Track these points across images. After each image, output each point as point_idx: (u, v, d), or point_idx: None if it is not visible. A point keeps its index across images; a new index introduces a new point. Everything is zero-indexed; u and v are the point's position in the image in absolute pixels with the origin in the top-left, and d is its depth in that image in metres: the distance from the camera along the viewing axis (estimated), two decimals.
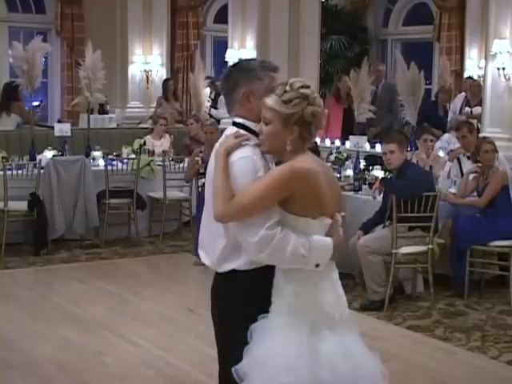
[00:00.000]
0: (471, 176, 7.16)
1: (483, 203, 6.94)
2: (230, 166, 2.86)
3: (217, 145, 3.00)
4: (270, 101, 2.86)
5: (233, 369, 2.85)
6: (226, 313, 2.99)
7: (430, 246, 6.62)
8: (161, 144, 9.98)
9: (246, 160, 2.86)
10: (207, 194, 3.05)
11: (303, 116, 2.84)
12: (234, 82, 3.03)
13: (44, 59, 10.09)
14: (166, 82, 13.17)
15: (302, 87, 2.86)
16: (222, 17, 13.90)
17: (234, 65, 3.15)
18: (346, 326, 2.93)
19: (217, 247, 2.95)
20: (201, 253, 3.10)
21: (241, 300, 2.91)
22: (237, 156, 2.87)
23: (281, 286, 2.88)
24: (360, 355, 2.91)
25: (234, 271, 2.92)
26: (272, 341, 2.82)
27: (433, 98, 11.73)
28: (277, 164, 2.97)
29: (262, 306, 2.87)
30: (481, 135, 7.98)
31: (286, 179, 2.80)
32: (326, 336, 2.85)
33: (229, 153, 2.89)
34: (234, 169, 2.85)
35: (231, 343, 2.92)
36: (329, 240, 2.88)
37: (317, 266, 2.84)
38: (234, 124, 3.02)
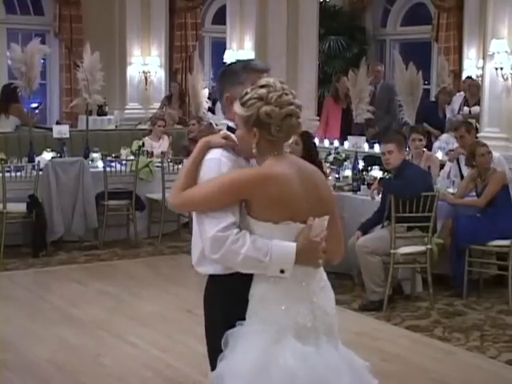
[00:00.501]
0: (469, 177, 7.17)
1: (483, 203, 6.94)
2: (201, 164, 2.85)
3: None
4: (235, 104, 2.83)
5: (210, 375, 2.84)
6: (209, 315, 2.97)
7: (429, 246, 6.62)
8: (159, 145, 9.97)
9: (213, 161, 2.83)
10: None
11: (259, 117, 2.75)
12: (221, 86, 3.04)
13: (42, 61, 10.09)
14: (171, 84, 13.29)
15: (261, 87, 2.77)
16: (220, 18, 13.91)
17: (223, 68, 3.13)
18: (323, 339, 2.80)
19: (197, 249, 2.92)
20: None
21: (221, 304, 2.88)
22: (207, 156, 2.85)
23: (251, 292, 2.81)
24: (332, 372, 2.74)
25: (213, 275, 2.88)
26: (238, 350, 2.74)
27: (432, 99, 11.75)
28: None
29: (241, 311, 2.81)
30: (479, 135, 7.99)
31: (238, 183, 2.73)
32: (291, 345, 2.73)
33: (207, 147, 2.86)
34: (202, 167, 2.84)
35: (213, 346, 2.89)
36: (291, 245, 2.73)
37: (281, 271, 2.72)
38: (228, 128, 3.00)
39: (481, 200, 6.98)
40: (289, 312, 2.76)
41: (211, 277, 2.92)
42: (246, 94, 2.78)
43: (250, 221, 2.77)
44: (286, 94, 2.79)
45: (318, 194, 2.85)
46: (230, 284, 2.84)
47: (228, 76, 3.00)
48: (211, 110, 11.88)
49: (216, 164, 2.82)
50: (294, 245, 2.74)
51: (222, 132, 2.96)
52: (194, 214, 2.91)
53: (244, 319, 2.82)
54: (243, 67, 2.99)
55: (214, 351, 2.84)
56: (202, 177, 2.82)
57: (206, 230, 2.75)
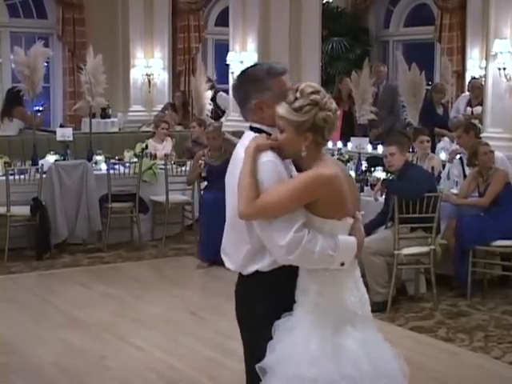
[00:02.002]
0: (471, 177, 7.17)
1: (486, 202, 6.94)
2: (257, 168, 2.91)
3: (238, 149, 3.04)
4: (281, 109, 2.91)
5: (257, 366, 2.92)
6: (250, 312, 3.05)
7: (433, 247, 6.62)
8: (163, 147, 9.98)
9: (272, 163, 2.92)
10: (229, 200, 3.08)
11: (315, 122, 2.89)
12: (245, 93, 3.07)
13: (46, 64, 10.10)
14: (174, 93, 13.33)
15: (312, 93, 2.90)
16: (223, 20, 13.91)
17: (241, 74, 3.15)
18: (367, 323, 3.00)
19: (240, 251, 3.02)
20: (224, 258, 3.16)
21: (264, 299, 2.99)
22: (263, 159, 2.92)
23: (305, 286, 2.94)
24: (381, 352, 2.97)
25: (257, 272, 3.00)
26: (296, 337, 2.88)
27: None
28: (295, 166, 3.05)
29: (285, 304, 2.95)
30: (482, 135, 7.98)
31: (312, 185, 2.86)
32: (349, 333, 2.91)
33: (259, 151, 2.93)
34: (260, 170, 2.91)
35: (255, 341, 2.99)
36: (353, 239, 2.95)
37: (342, 264, 2.91)
38: (252, 129, 3.08)
39: (484, 199, 6.98)
40: (345, 302, 2.93)
41: (253, 274, 3.00)
42: (296, 99, 2.89)
43: (316, 219, 2.90)
44: (330, 99, 2.95)
45: (354, 192, 3.12)
46: (274, 279, 2.97)
47: (252, 83, 3.05)
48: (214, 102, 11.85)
49: (273, 166, 2.92)
50: (354, 239, 2.95)
51: (259, 136, 3.00)
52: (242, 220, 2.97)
53: (285, 311, 2.95)
54: (267, 73, 3.04)
55: (257, 346, 2.95)
56: (264, 179, 2.90)
57: (280, 235, 2.85)
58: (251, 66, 3.20)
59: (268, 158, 2.93)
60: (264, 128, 3.04)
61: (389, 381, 2.94)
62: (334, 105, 2.95)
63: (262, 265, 2.98)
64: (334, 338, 2.88)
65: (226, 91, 12.38)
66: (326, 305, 2.91)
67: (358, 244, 2.96)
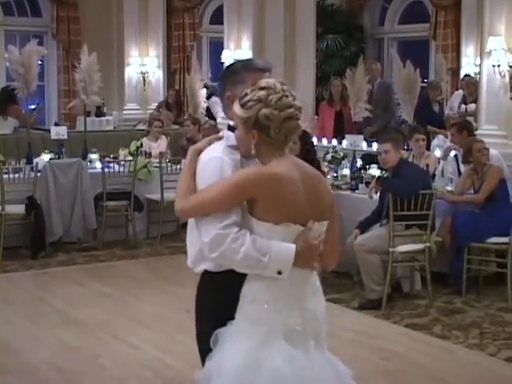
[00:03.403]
0: (466, 174, 7.18)
1: (482, 199, 6.94)
2: (199, 165, 2.85)
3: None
4: (234, 105, 2.82)
5: (197, 374, 2.83)
6: (201, 313, 2.96)
7: (427, 244, 6.63)
8: (157, 146, 9.97)
9: (214, 160, 2.82)
10: None
11: (258, 119, 2.74)
12: (222, 86, 3.04)
13: (40, 62, 10.09)
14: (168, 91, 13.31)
15: (261, 89, 2.76)
16: (217, 18, 13.90)
17: (224, 68, 3.14)
18: (312, 344, 2.80)
19: (194, 248, 2.93)
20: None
21: (213, 302, 2.88)
22: (208, 156, 2.85)
23: (243, 292, 2.79)
24: (320, 374, 2.76)
25: (206, 272, 2.88)
26: (226, 349, 2.74)
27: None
28: None
29: (233, 310, 2.80)
30: (477, 133, 7.99)
31: (245, 183, 2.72)
32: (280, 348, 2.72)
33: (198, 152, 2.88)
34: (202, 167, 2.84)
35: (203, 346, 2.87)
36: (291, 247, 2.72)
37: (279, 273, 2.71)
38: (229, 127, 2.99)
39: (479, 196, 6.98)
40: (280, 314, 2.75)
41: (203, 274, 2.92)
42: (246, 95, 2.77)
43: (252, 220, 2.75)
44: (286, 96, 2.77)
45: (319, 199, 2.84)
46: (222, 281, 2.84)
47: (229, 75, 3.00)
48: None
49: (218, 162, 2.81)
50: (293, 246, 2.73)
51: (205, 138, 2.97)
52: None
53: (233, 317, 2.81)
54: (244, 66, 2.99)
55: (203, 349, 2.85)
56: (204, 176, 2.82)
57: (207, 230, 2.74)
58: (236, 61, 3.19)
59: (211, 154, 2.84)
60: None
61: None
62: (285, 103, 2.75)
63: (210, 265, 2.85)
64: (260, 350, 2.71)
65: None
66: (257, 314, 2.74)
67: (299, 254, 2.72)
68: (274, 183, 2.71)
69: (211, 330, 2.80)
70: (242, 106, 2.77)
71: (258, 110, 2.73)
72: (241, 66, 3.00)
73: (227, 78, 3.01)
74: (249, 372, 2.68)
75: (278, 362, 2.68)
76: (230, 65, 3.13)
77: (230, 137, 2.92)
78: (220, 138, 2.91)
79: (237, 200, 2.74)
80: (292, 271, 2.74)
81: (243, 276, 2.80)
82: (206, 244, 2.74)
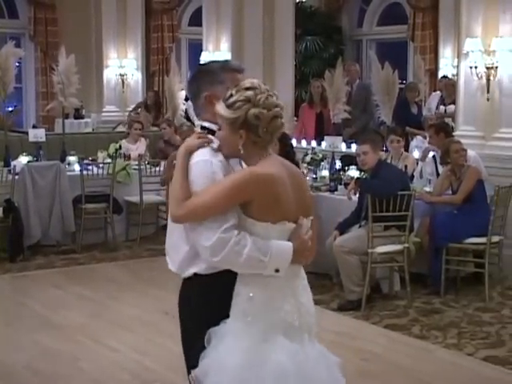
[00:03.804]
0: (444, 175, 7.22)
1: (459, 199, 6.99)
2: (189, 168, 2.83)
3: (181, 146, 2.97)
4: (218, 106, 2.82)
5: (189, 375, 2.84)
6: (189, 316, 2.96)
7: (406, 245, 6.66)
8: (136, 148, 9.95)
9: (203, 163, 2.82)
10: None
11: (247, 119, 2.76)
12: (197, 86, 3.02)
13: (17, 64, 10.03)
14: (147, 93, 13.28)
15: (247, 89, 2.78)
16: (196, 19, 13.90)
17: (197, 68, 3.12)
18: (307, 337, 2.85)
19: (180, 253, 2.92)
20: (167, 260, 3.07)
21: (203, 304, 2.88)
22: (196, 158, 2.84)
23: (238, 290, 2.82)
24: (316, 370, 2.82)
25: (195, 275, 2.88)
26: (224, 347, 2.76)
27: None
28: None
29: (224, 310, 2.82)
30: (455, 134, 8.03)
31: (241, 185, 2.73)
32: (280, 344, 2.77)
33: (190, 152, 2.86)
34: (192, 171, 2.82)
35: (192, 347, 2.89)
36: (289, 245, 2.79)
37: (276, 271, 2.77)
38: (202, 128, 2.99)
39: (457, 197, 7.03)
40: (277, 311, 2.79)
41: (191, 277, 2.91)
42: (231, 96, 2.78)
43: (248, 221, 2.77)
44: (271, 96, 2.81)
45: (303, 195, 2.92)
46: (211, 283, 2.85)
47: (205, 75, 3.00)
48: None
49: (207, 165, 2.81)
50: (291, 244, 2.79)
51: (193, 135, 2.94)
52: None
53: (224, 318, 2.82)
54: (221, 67, 3.00)
55: (193, 350, 2.85)
56: (195, 180, 2.81)
57: (207, 234, 2.74)
58: (208, 62, 3.19)
59: (199, 158, 2.83)
60: (212, 126, 2.93)
61: None
62: (272, 102, 2.79)
63: (200, 268, 2.86)
64: (260, 347, 2.75)
65: None
66: (256, 311, 2.77)
67: (295, 250, 2.79)
68: (268, 184, 2.75)
69: (200, 331, 2.81)
70: (229, 106, 2.78)
71: (247, 110, 2.76)
72: (218, 67, 3.00)
73: (203, 78, 3.00)
74: (253, 369, 2.71)
75: (282, 357, 2.74)
76: (203, 65, 3.13)
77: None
78: (210, 141, 2.89)
79: (232, 203, 2.76)
80: (286, 268, 2.80)
81: (232, 275, 2.82)
82: (206, 248, 2.74)
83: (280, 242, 2.78)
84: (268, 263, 2.75)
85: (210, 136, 2.92)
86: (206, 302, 2.87)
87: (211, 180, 2.78)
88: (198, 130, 3.04)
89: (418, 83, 11.13)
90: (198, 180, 2.80)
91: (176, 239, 2.94)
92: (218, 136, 2.86)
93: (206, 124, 2.99)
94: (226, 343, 2.76)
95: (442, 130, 7.82)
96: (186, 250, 2.89)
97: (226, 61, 3.08)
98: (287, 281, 2.83)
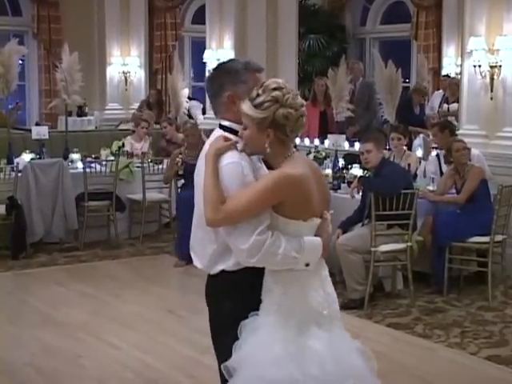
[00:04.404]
0: (448, 174, 7.21)
1: (463, 199, 6.97)
2: (220, 171, 2.86)
3: (206, 147, 2.99)
4: (244, 106, 2.86)
5: (222, 365, 2.91)
6: (218, 311, 3.03)
7: (409, 244, 6.64)
8: (141, 146, 9.95)
9: (233, 165, 2.86)
10: (197, 199, 3.04)
11: (275, 119, 2.83)
12: (219, 85, 3.02)
13: (21, 62, 10.02)
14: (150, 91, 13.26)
15: (274, 89, 2.83)
16: (199, 17, 13.88)
17: (218, 67, 3.12)
18: (334, 323, 2.97)
19: (207, 251, 2.99)
20: (192, 256, 3.15)
21: (231, 299, 2.96)
22: (225, 161, 2.87)
23: (269, 286, 2.91)
24: (348, 351, 2.94)
25: (223, 272, 2.96)
26: (260, 338, 2.85)
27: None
28: (265, 162, 2.99)
29: (252, 304, 2.91)
30: (458, 132, 8.01)
31: (276, 187, 2.81)
32: (314, 333, 2.88)
33: (219, 155, 2.88)
34: (223, 174, 2.85)
35: (223, 343, 2.96)
36: (318, 240, 2.91)
37: (307, 265, 2.88)
38: (221, 127, 3.01)
39: (461, 196, 7.01)
40: (310, 303, 2.90)
41: (219, 274, 2.97)
42: (258, 95, 2.83)
43: (280, 220, 2.86)
44: (297, 96, 2.89)
45: (323, 190, 3.04)
46: (239, 279, 2.93)
47: (227, 75, 3.00)
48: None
49: (238, 167, 2.85)
50: (320, 239, 2.91)
51: (219, 136, 2.95)
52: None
53: (251, 312, 2.92)
54: (244, 67, 3.01)
55: (224, 346, 2.92)
56: (227, 183, 2.84)
57: (243, 237, 2.80)
58: (229, 60, 3.19)
59: (229, 160, 2.86)
60: (234, 126, 2.97)
61: (355, 381, 2.92)
62: (298, 102, 2.87)
63: (228, 264, 2.94)
64: (298, 338, 2.85)
65: (204, 89, 12.36)
66: (290, 305, 2.88)
67: (323, 244, 2.92)
68: (298, 184, 2.83)
69: (229, 327, 2.90)
70: (257, 106, 2.83)
71: (275, 110, 2.82)
72: (241, 67, 3.02)
73: (226, 77, 3.00)
74: (292, 359, 2.81)
75: (319, 347, 2.85)
76: (225, 63, 3.12)
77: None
78: (237, 142, 2.91)
79: (267, 205, 2.84)
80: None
81: (257, 271, 2.89)
82: (243, 251, 2.82)
83: (311, 238, 2.89)
84: (300, 259, 2.86)
85: (233, 137, 2.94)
86: (233, 297, 2.96)
87: (243, 182, 2.84)
88: (217, 128, 3.05)
89: (426, 87, 11.08)
90: (230, 183, 2.84)
91: (202, 237, 3.01)
92: (243, 135, 2.89)
93: (227, 123, 3.01)
94: (261, 336, 2.86)
95: (447, 127, 7.80)
96: (213, 248, 2.96)
97: (249, 61, 3.08)
98: (315, 274, 2.94)
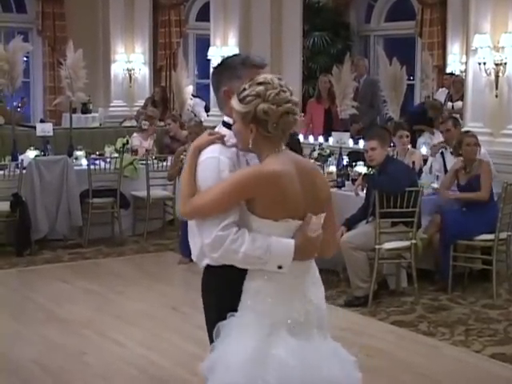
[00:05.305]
0: (455, 168, 7.18)
1: (486, 197, 6.89)
2: (197, 165, 2.86)
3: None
4: (233, 100, 2.83)
5: (200, 365, 2.88)
6: (206, 306, 3.02)
7: (414, 241, 6.63)
8: (148, 143, 9.97)
9: (210, 160, 2.84)
10: None
11: (256, 114, 2.76)
12: (217, 80, 3.03)
13: (25, 59, 10.04)
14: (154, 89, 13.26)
15: (259, 84, 2.78)
16: (204, 15, 13.87)
17: (220, 62, 3.12)
18: (316, 332, 2.87)
19: (196, 245, 2.98)
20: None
21: (216, 294, 2.93)
22: (204, 155, 2.86)
23: (246, 286, 2.85)
24: (326, 363, 2.82)
25: (210, 266, 2.92)
26: (231, 340, 2.79)
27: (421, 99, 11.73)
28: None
29: (236, 301, 2.86)
30: (463, 130, 8.00)
31: (243, 183, 2.75)
32: (284, 339, 2.77)
33: (199, 150, 2.88)
34: (200, 168, 2.85)
35: (210, 338, 2.93)
36: (290, 242, 2.78)
37: (279, 267, 2.78)
38: (224, 124, 3.00)
39: (483, 194, 6.88)
40: (283, 307, 2.81)
41: (207, 268, 2.95)
42: (244, 90, 2.79)
43: (251, 217, 2.79)
44: (284, 92, 2.80)
45: (315, 192, 2.88)
46: (224, 275, 2.87)
47: (226, 70, 3.00)
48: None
49: (214, 162, 2.83)
50: (292, 242, 2.79)
51: (206, 131, 2.97)
52: None
53: (237, 310, 2.86)
54: (242, 62, 2.99)
55: (211, 342, 2.90)
56: (202, 177, 2.84)
57: (208, 231, 2.78)
58: (232, 55, 3.19)
59: (207, 155, 2.85)
60: (231, 121, 2.93)
61: None
62: (282, 98, 2.77)
63: (211, 259, 2.89)
64: (265, 342, 2.76)
65: (208, 86, 12.36)
66: (262, 307, 2.80)
67: (298, 248, 2.78)
68: (272, 182, 2.74)
69: (217, 320, 2.86)
70: (241, 100, 2.79)
71: (257, 104, 2.76)
72: (238, 62, 3.00)
73: (224, 73, 3.00)
74: (256, 365, 2.73)
75: (282, 353, 2.74)
76: (226, 59, 3.12)
77: (226, 134, 2.94)
78: (223, 137, 2.90)
79: (236, 201, 2.78)
80: (292, 264, 2.80)
81: (245, 270, 2.84)
82: (206, 245, 2.81)
83: (280, 238, 2.78)
84: (268, 260, 2.76)
85: (223, 132, 2.93)
86: (218, 292, 2.92)
87: (217, 177, 2.80)
88: (220, 125, 3.05)
89: (441, 103, 10.63)
90: (204, 177, 2.83)
91: (192, 232, 3.00)
92: (233, 129, 2.87)
93: (226, 119, 3.00)
94: (233, 338, 2.79)
95: (459, 123, 7.80)
96: (200, 243, 2.92)
97: (248, 56, 3.05)
98: (296, 278, 2.84)
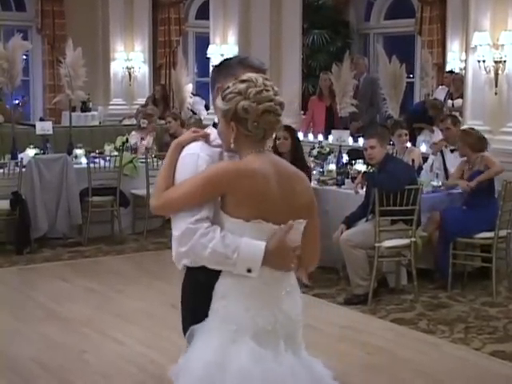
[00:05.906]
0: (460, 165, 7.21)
1: (499, 167, 6.94)
2: (178, 162, 2.84)
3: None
4: (217, 98, 2.82)
5: (169, 371, 2.83)
6: (183, 309, 2.94)
7: (413, 239, 6.64)
8: (147, 141, 9.96)
9: (189, 156, 2.81)
10: None
11: (236, 111, 2.71)
12: (213, 78, 3.03)
13: (25, 57, 10.03)
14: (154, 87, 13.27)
15: (242, 82, 2.73)
16: (203, 13, 13.87)
17: (220, 62, 3.12)
18: (287, 344, 2.77)
19: (174, 246, 2.90)
20: None
21: (193, 298, 2.86)
22: (185, 152, 2.84)
23: (216, 289, 2.75)
24: (292, 378, 2.71)
25: (187, 268, 2.84)
26: (196, 345, 2.73)
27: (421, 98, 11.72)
28: None
29: (207, 305, 2.78)
30: (463, 128, 8.00)
31: (213, 178, 2.69)
32: (247, 347, 2.68)
33: (182, 146, 2.85)
34: (178, 164, 2.83)
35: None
36: (260, 245, 2.67)
37: (249, 271, 2.67)
38: (214, 124, 2.97)
39: (495, 168, 6.94)
40: (249, 313, 2.71)
41: (184, 270, 2.88)
42: (228, 87, 2.76)
43: (223, 216, 2.72)
44: (267, 91, 2.73)
45: (296, 198, 2.78)
46: (200, 277, 2.79)
47: (222, 68, 3.00)
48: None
49: (193, 159, 2.80)
50: (263, 245, 2.68)
51: (191, 129, 2.97)
52: None
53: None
54: (239, 61, 2.99)
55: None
56: (179, 173, 2.81)
57: (179, 224, 2.73)
58: (233, 56, 3.19)
59: (188, 151, 2.83)
60: None
61: None
62: (264, 96, 2.70)
63: (188, 260, 2.79)
64: (227, 349, 2.67)
65: (207, 84, 12.36)
66: (227, 311, 2.71)
67: (271, 253, 2.67)
68: (243, 179, 2.67)
69: (191, 322, 2.80)
70: (223, 98, 2.76)
71: (237, 102, 2.71)
72: (236, 61, 3.00)
73: (221, 71, 3.00)
74: (215, 371, 2.64)
75: (244, 360, 2.65)
76: (227, 59, 3.12)
77: (213, 134, 2.91)
78: (207, 135, 2.88)
79: (207, 196, 2.71)
80: (264, 271, 2.70)
81: (217, 271, 2.76)
82: (176, 238, 2.75)
83: (252, 241, 2.68)
84: (236, 260, 2.66)
85: (209, 130, 2.92)
86: (195, 296, 2.84)
87: (194, 174, 2.76)
88: (210, 126, 3.03)
89: (442, 103, 10.65)
90: (182, 173, 2.80)
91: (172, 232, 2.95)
92: (218, 130, 2.84)
93: (217, 119, 2.96)
94: (199, 342, 2.73)
95: (458, 121, 7.81)
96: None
97: (247, 57, 3.04)
98: (265, 284, 2.73)
